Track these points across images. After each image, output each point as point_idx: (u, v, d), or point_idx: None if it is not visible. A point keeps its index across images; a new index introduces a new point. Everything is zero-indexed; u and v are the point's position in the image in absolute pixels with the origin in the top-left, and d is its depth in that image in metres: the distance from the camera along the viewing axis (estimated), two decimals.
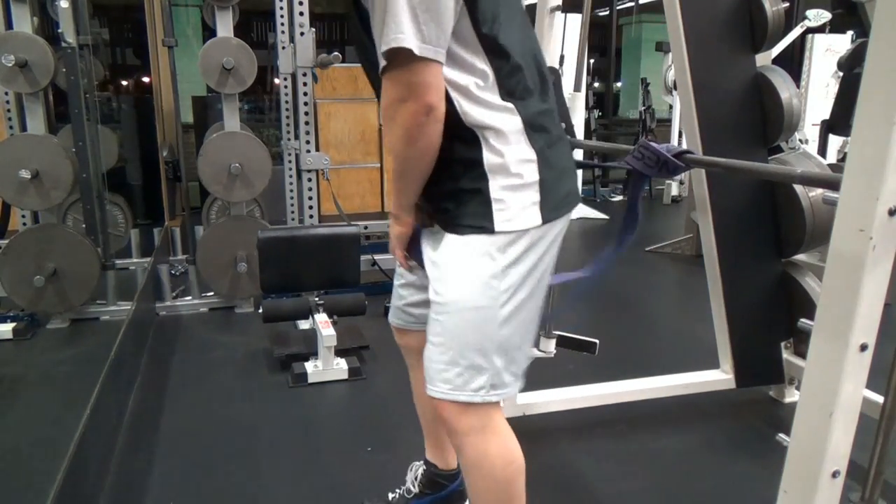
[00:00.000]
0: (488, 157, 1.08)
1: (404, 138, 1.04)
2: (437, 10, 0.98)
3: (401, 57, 0.97)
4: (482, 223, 1.09)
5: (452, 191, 1.11)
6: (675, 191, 6.71)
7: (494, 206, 1.08)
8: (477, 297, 1.11)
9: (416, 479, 1.66)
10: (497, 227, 1.08)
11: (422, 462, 1.67)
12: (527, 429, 2.15)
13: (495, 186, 1.08)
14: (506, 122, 1.07)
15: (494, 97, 1.07)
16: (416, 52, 0.96)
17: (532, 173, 1.09)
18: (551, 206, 1.11)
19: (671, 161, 1.43)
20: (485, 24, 1.04)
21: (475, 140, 1.07)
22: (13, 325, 2.99)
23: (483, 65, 1.06)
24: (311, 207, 3.27)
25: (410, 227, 1.22)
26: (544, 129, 1.11)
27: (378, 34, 1.00)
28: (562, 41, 4.22)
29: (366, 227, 3.83)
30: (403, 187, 1.14)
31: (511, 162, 1.08)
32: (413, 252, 1.27)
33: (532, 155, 1.09)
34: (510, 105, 1.08)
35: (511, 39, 1.08)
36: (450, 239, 1.13)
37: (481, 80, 1.06)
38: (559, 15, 1.88)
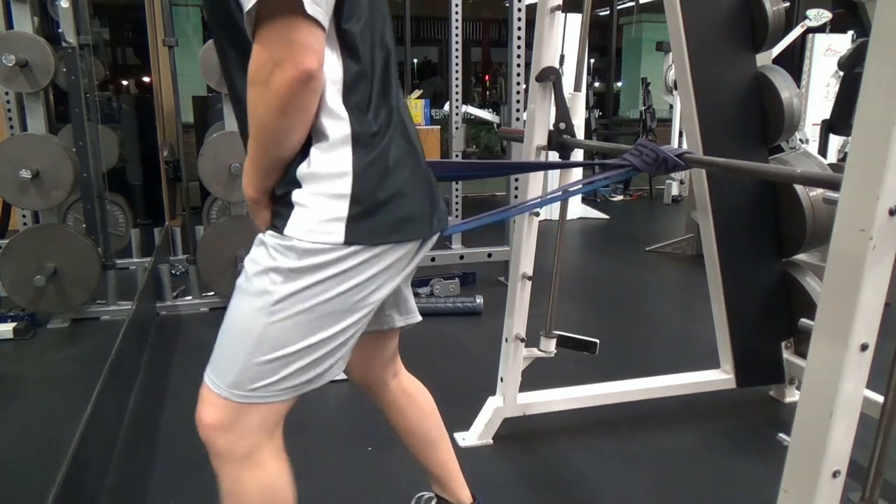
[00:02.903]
0: (302, 165, 0.97)
1: (277, 108, 0.90)
2: None
3: (283, 11, 0.85)
4: (275, 221, 1.00)
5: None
6: (675, 191, 6.71)
7: (294, 210, 0.98)
8: (251, 293, 1.00)
9: None
10: (287, 231, 0.97)
11: (433, 495, 1.52)
12: (527, 429, 2.17)
13: (302, 191, 0.98)
14: (335, 129, 0.96)
15: (336, 100, 0.97)
16: (307, 9, 0.85)
17: (343, 187, 0.96)
18: (366, 230, 0.98)
19: (670, 158, 1.43)
20: (349, 19, 0.96)
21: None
22: (13, 324, 2.99)
23: (335, 61, 0.96)
24: None
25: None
26: (374, 146, 0.99)
27: None
28: (562, 41, 4.23)
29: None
30: (269, 165, 0.98)
31: (322, 171, 0.97)
32: None
33: (348, 168, 0.96)
34: (345, 114, 0.97)
35: (367, 44, 0.99)
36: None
37: (328, 79, 0.95)
38: (559, 15, 1.88)
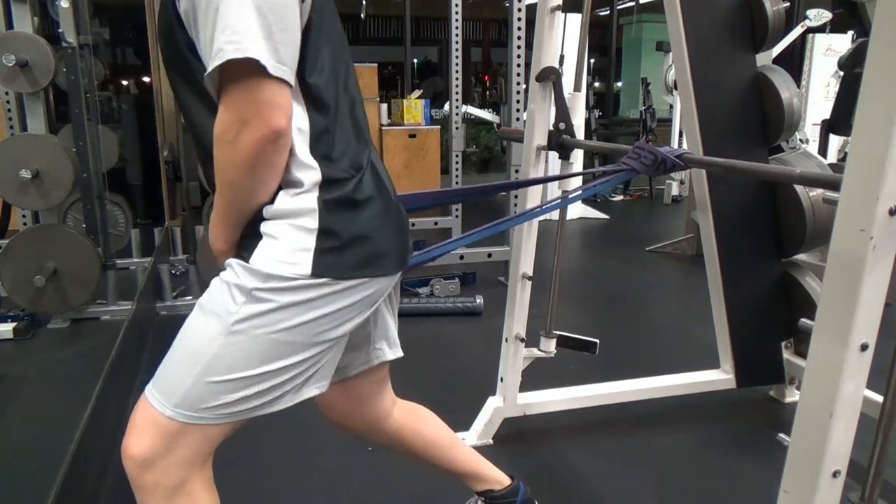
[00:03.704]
0: (269, 207, 0.97)
1: (245, 166, 0.90)
2: (291, 33, 0.89)
3: (247, 73, 0.85)
4: (242, 252, 0.99)
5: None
6: (675, 191, 6.71)
7: (262, 241, 0.97)
8: (211, 311, 0.98)
9: None
10: (253, 262, 0.96)
11: (475, 496, 1.51)
12: (527, 429, 2.17)
13: (270, 223, 0.97)
14: (306, 178, 0.96)
15: (304, 151, 0.96)
16: (271, 71, 0.85)
17: (311, 222, 0.96)
18: (333, 263, 0.97)
19: (669, 159, 1.43)
20: (312, 73, 0.96)
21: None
22: (13, 324, 2.99)
23: (301, 114, 0.96)
24: None
25: None
26: (343, 186, 0.99)
27: (209, 42, 0.86)
28: (562, 41, 4.23)
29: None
30: (237, 220, 0.98)
31: (290, 208, 0.96)
32: None
33: (315, 205, 0.96)
34: (314, 163, 0.97)
35: (331, 93, 0.99)
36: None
37: (294, 131, 0.95)
38: (559, 15, 1.88)
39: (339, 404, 1.30)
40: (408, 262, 1.12)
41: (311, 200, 0.97)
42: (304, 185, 0.96)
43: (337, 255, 0.98)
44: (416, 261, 1.28)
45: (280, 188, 0.97)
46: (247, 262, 0.97)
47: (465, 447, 1.48)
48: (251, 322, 0.95)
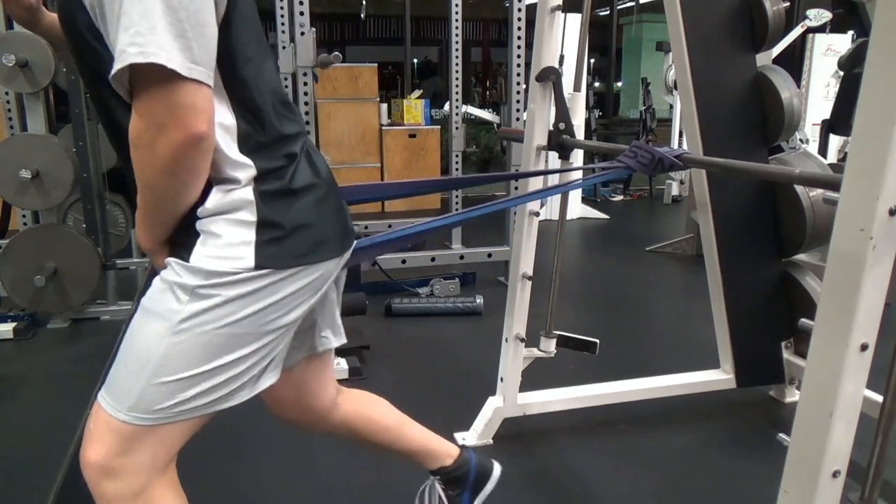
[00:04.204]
0: (205, 204, 0.94)
1: (165, 171, 0.86)
2: (207, 28, 0.84)
3: (158, 75, 0.80)
4: (181, 252, 0.96)
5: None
6: (675, 191, 6.71)
7: (200, 238, 0.95)
8: (155, 312, 0.96)
9: (440, 494, 1.51)
10: (193, 260, 0.94)
11: (430, 478, 1.51)
12: (527, 429, 2.17)
13: (206, 220, 0.95)
14: (240, 174, 0.94)
15: (233, 149, 0.94)
16: (185, 73, 0.80)
17: (249, 215, 0.95)
18: (274, 253, 0.96)
19: (667, 158, 1.44)
20: (239, 67, 0.93)
21: (207, 185, 0.94)
22: (13, 324, 2.99)
23: (225, 111, 0.93)
24: None
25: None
26: (279, 178, 0.97)
27: (114, 39, 0.80)
28: (562, 41, 4.23)
29: (366, 227, 3.83)
30: (162, 220, 0.95)
31: (225, 204, 0.94)
32: None
33: (251, 198, 0.95)
34: (246, 160, 0.94)
35: (261, 86, 0.96)
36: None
37: (221, 130, 0.92)
38: (559, 15, 1.88)
39: (285, 396, 1.29)
40: (350, 244, 1.11)
41: (247, 193, 0.95)
42: (241, 182, 0.95)
43: (279, 244, 0.96)
44: (362, 242, 1.23)
45: (212, 186, 0.94)
46: (186, 261, 0.95)
47: (413, 425, 1.46)
48: (197, 319, 0.93)
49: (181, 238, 0.97)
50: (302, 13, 3.03)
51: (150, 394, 0.95)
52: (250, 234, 0.95)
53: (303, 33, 3.03)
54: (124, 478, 0.97)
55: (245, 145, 0.95)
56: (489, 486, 1.52)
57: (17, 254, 3.00)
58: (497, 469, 1.55)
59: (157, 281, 0.99)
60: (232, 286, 0.94)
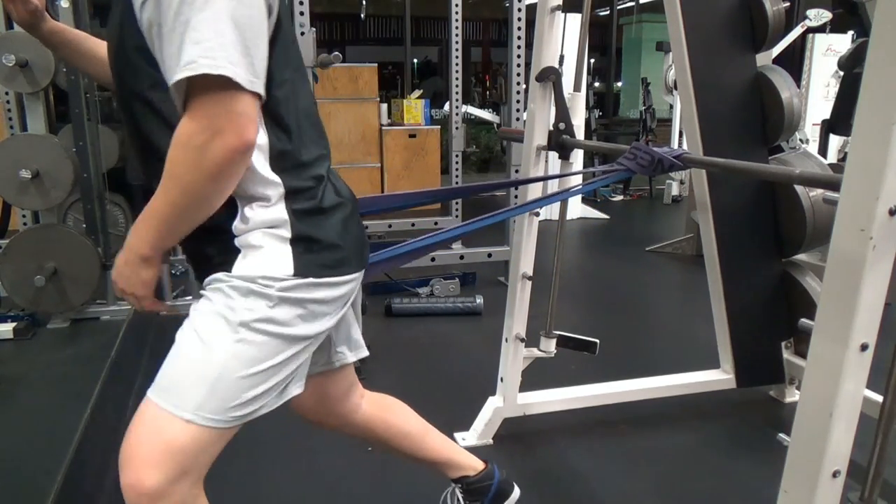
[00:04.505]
0: (236, 221, 0.99)
1: (211, 174, 0.89)
2: (264, 47, 0.92)
3: (223, 85, 0.86)
4: (222, 269, 1.01)
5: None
6: (675, 191, 6.71)
7: (240, 255, 1.00)
8: (216, 314, 1.00)
9: (460, 501, 1.54)
10: (237, 270, 0.99)
11: (451, 485, 1.54)
12: (527, 429, 2.17)
13: (244, 237, 1.00)
14: (270, 193, 0.99)
15: (265, 167, 0.98)
16: (247, 86, 0.87)
17: (285, 231, 1.00)
18: (311, 264, 1.02)
19: (667, 159, 1.44)
20: (275, 86, 0.97)
21: (232, 204, 0.98)
22: (13, 324, 2.99)
23: (260, 130, 0.96)
24: None
25: (160, 271, 1.03)
26: (309, 197, 1.03)
27: (175, 52, 0.86)
28: (562, 41, 4.23)
29: (366, 228, 3.83)
30: (179, 228, 0.96)
31: (259, 220, 0.99)
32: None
33: (285, 216, 1.00)
34: (276, 178, 0.99)
35: (294, 108, 1.01)
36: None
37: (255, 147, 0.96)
38: (559, 15, 1.88)
39: (307, 402, 1.33)
40: (367, 261, 1.17)
41: (280, 211, 1.00)
42: (271, 200, 1.00)
43: (314, 256, 1.02)
44: (378, 256, 1.31)
45: (236, 204, 0.99)
46: (230, 271, 0.99)
47: (437, 435, 1.50)
48: (251, 318, 0.98)
49: (219, 258, 1.01)
50: (302, 13, 3.03)
51: (220, 391, 0.98)
52: (287, 247, 1.00)
53: (303, 33, 3.03)
54: (180, 497, 0.99)
55: (276, 164, 1.00)
56: None
57: (17, 254, 3.00)
58: (517, 492, 1.57)
59: (204, 297, 1.03)
60: (277, 290, 0.99)
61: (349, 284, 1.10)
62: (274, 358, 1.01)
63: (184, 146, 0.89)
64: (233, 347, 0.98)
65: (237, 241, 1.00)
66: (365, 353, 1.35)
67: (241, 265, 1.00)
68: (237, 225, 0.99)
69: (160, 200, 0.94)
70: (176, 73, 0.86)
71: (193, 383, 0.99)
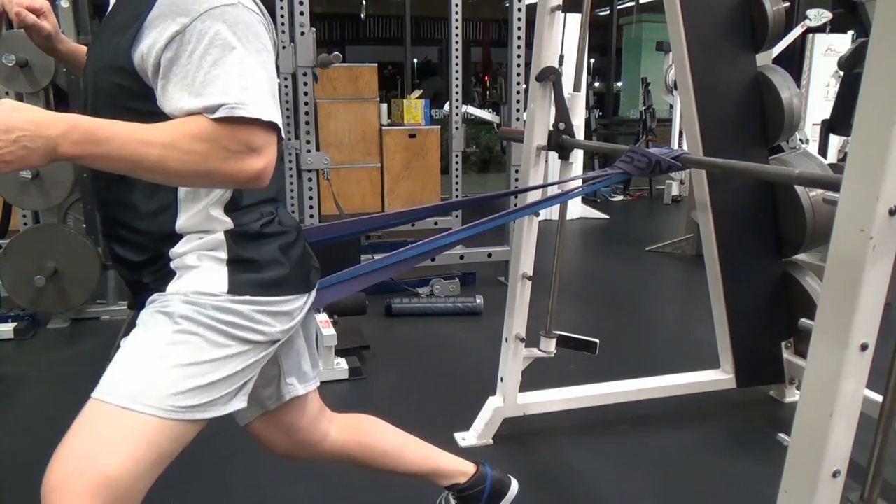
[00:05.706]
0: (175, 249, 1.04)
1: (212, 173, 0.91)
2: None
3: (268, 127, 0.92)
4: (157, 288, 1.05)
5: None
6: (675, 191, 6.71)
7: (179, 273, 1.04)
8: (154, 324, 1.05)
9: None
10: (171, 288, 1.03)
11: (444, 491, 1.53)
12: (527, 429, 2.17)
13: (181, 259, 1.03)
14: (216, 226, 1.03)
15: (216, 210, 1.03)
16: (279, 124, 0.93)
17: (222, 253, 1.04)
18: (247, 283, 1.04)
19: (665, 161, 1.44)
20: None
21: (177, 237, 1.03)
22: (14, 324, 2.99)
23: None
24: (311, 207, 3.27)
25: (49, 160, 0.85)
26: (251, 225, 1.06)
27: (203, 81, 0.89)
28: (562, 41, 4.23)
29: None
30: (122, 166, 0.89)
31: (199, 245, 1.03)
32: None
33: (222, 238, 1.04)
34: (226, 218, 1.04)
35: None
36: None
37: (213, 194, 1.02)
38: (559, 15, 1.88)
39: (272, 436, 1.33)
40: (313, 286, 1.17)
41: (219, 236, 1.04)
42: (214, 232, 1.04)
43: (250, 276, 1.04)
44: (326, 282, 1.29)
45: (180, 237, 1.03)
46: (164, 291, 1.03)
47: (417, 448, 1.47)
48: (191, 312, 1.00)
49: (154, 285, 1.05)
50: (302, 13, 3.03)
51: (161, 378, 0.98)
52: (223, 267, 1.03)
53: (303, 33, 3.03)
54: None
55: (229, 208, 1.04)
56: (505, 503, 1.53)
57: (18, 254, 3.00)
58: (514, 486, 1.56)
59: (144, 313, 1.05)
60: (212, 307, 1.01)
61: (289, 305, 1.09)
62: (213, 352, 1.01)
63: (210, 141, 0.89)
64: (172, 337, 1.00)
65: (173, 264, 1.04)
66: (313, 385, 1.31)
67: (175, 284, 1.03)
68: (174, 250, 1.03)
69: (140, 143, 0.87)
70: (175, 104, 0.91)
71: (133, 372, 1.01)
